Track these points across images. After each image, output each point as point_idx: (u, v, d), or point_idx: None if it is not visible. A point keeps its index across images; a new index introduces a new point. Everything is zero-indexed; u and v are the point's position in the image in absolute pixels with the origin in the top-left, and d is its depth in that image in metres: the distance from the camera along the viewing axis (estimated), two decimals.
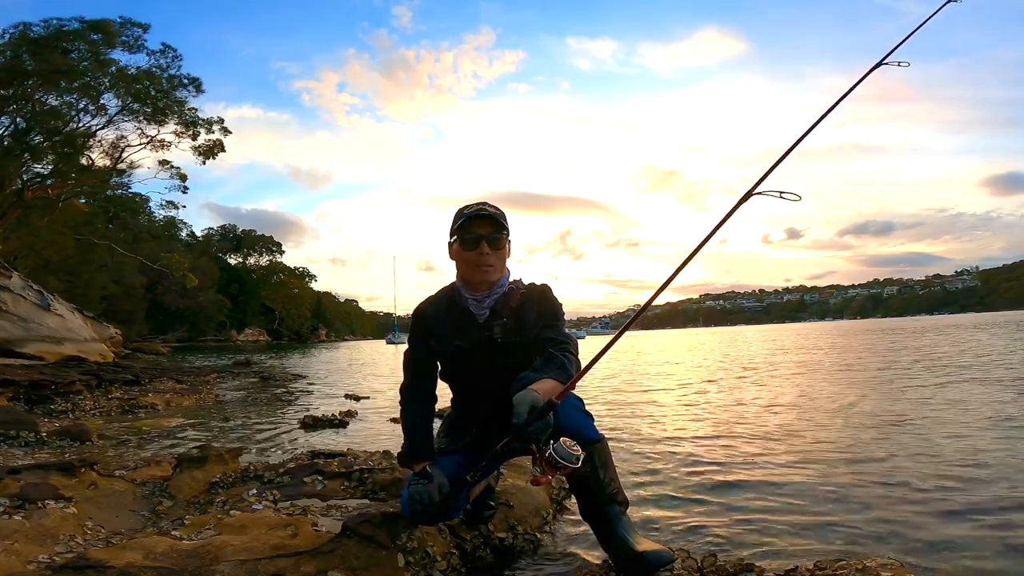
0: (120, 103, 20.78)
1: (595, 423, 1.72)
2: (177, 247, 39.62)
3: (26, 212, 20.26)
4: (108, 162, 22.05)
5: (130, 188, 25.31)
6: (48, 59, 18.41)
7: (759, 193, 1.52)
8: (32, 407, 6.04)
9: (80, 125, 20.67)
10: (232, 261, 66.48)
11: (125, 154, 22.10)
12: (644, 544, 1.64)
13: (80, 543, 1.93)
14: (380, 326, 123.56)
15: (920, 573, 1.74)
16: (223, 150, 23.05)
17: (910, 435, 3.73)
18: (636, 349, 21.09)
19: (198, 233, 63.50)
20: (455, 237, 1.76)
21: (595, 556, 1.90)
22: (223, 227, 70.03)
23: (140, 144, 22.07)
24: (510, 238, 1.78)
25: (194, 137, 22.39)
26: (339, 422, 5.15)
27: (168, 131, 22.11)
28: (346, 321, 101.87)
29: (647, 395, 6.83)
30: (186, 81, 21.62)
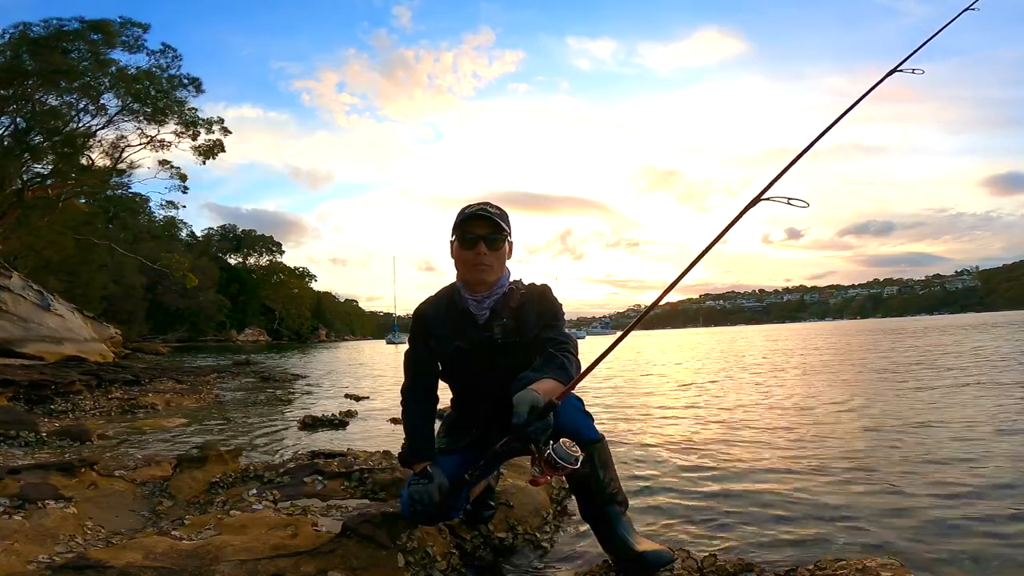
0: (120, 103, 20.79)
1: (595, 423, 1.72)
2: (177, 247, 39.60)
3: (26, 212, 20.25)
4: (108, 162, 22.05)
5: (130, 188, 25.33)
6: (48, 59, 18.40)
7: (767, 199, 1.52)
8: (32, 407, 6.04)
9: (80, 125, 20.67)
10: (232, 261, 66.45)
11: (125, 154, 22.11)
12: (644, 544, 1.64)
13: (80, 543, 1.93)
14: (380, 326, 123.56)
15: (920, 573, 1.74)
16: (223, 150, 23.05)
17: (911, 436, 3.73)
18: (636, 349, 21.08)
19: (198, 233, 63.54)
20: (455, 236, 1.76)
21: (595, 556, 1.90)
22: (223, 227, 70.09)
23: (140, 144, 22.08)
24: (511, 240, 1.78)
25: (194, 137, 22.39)
26: (339, 422, 5.15)
27: (168, 131, 22.13)
28: (346, 321, 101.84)
29: (647, 395, 6.83)
30: (186, 81, 21.63)
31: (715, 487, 2.79)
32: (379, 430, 4.90)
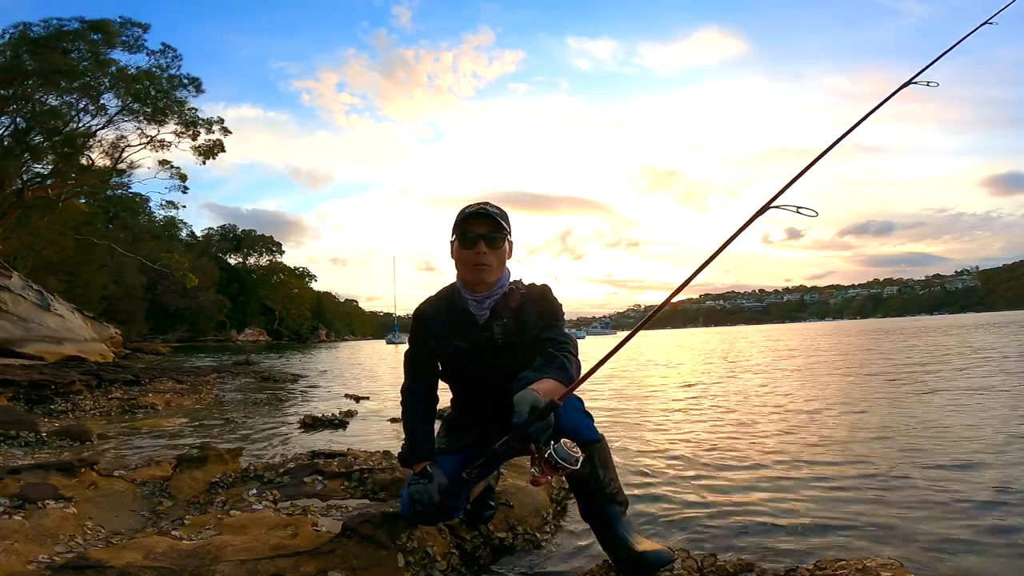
0: (120, 103, 20.79)
1: (595, 423, 1.72)
2: (177, 247, 39.58)
3: (26, 212, 20.25)
4: (108, 162, 22.05)
5: (130, 188, 25.32)
6: (48, 59, 18.40)
7: (776, 207, 1.51)
8: (32, 407, 6.04)
9: (80, 125, 20.67)
10: (232, 261, 66.42)
11: (125, 154, 22.11)
12: (644, 544, 1.64)
13: (80, 543, 1.93)
14: (380, 326, 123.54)
15: (920, 573, 1.74)
16: (223, 150, 23.05)
17: (911, 436, 3.73)
18: (637, 349, 21.07)
19: (198, 233, 63.51)
20: (455, 236, 1.76)
21: (595, 556, 1.90)
22: (223, 227, 70.04)
23: (140, 144, 22.08)
24: (511, 239, 1.78)
25: (194, 137, 22.39)
26: (339, 422, 5.15)
27: (168, 131, 22.12)
28: (346, 321, 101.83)
29: (648, 395, 6.83)
30: (186, 81, 21.63)
31: (715, 487, 2.79)
32: (379, 430, 4.90)
